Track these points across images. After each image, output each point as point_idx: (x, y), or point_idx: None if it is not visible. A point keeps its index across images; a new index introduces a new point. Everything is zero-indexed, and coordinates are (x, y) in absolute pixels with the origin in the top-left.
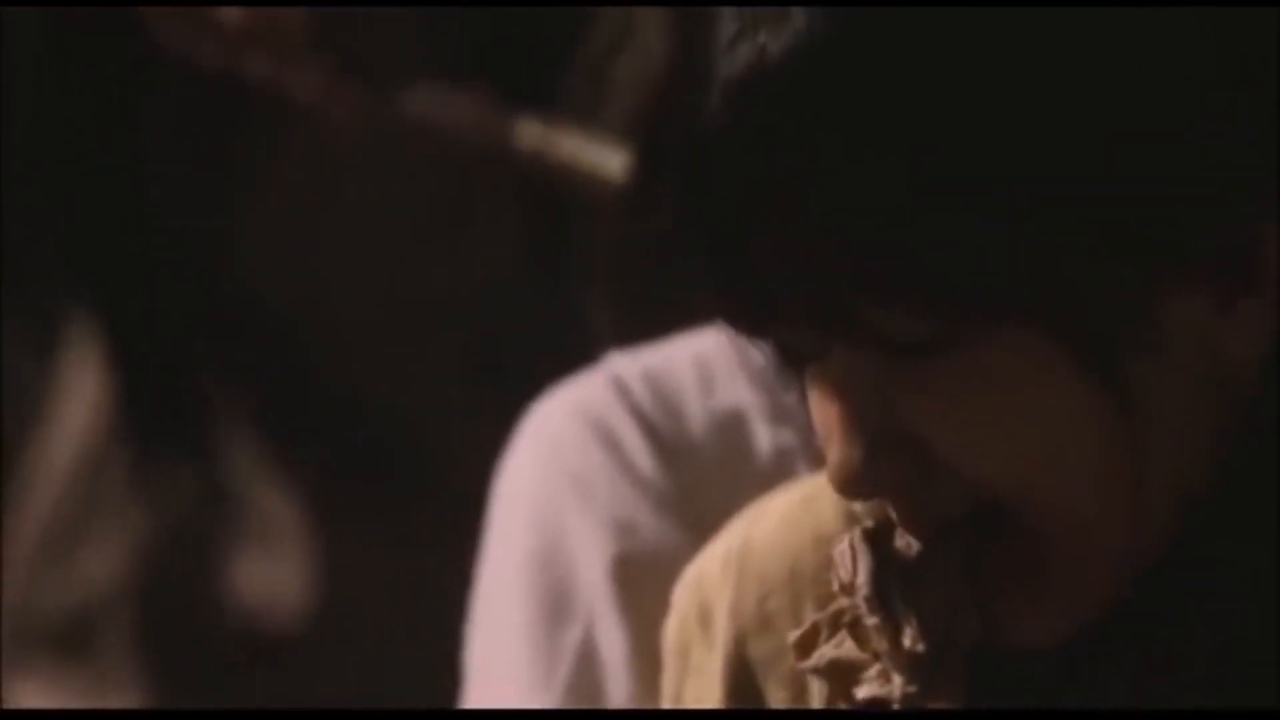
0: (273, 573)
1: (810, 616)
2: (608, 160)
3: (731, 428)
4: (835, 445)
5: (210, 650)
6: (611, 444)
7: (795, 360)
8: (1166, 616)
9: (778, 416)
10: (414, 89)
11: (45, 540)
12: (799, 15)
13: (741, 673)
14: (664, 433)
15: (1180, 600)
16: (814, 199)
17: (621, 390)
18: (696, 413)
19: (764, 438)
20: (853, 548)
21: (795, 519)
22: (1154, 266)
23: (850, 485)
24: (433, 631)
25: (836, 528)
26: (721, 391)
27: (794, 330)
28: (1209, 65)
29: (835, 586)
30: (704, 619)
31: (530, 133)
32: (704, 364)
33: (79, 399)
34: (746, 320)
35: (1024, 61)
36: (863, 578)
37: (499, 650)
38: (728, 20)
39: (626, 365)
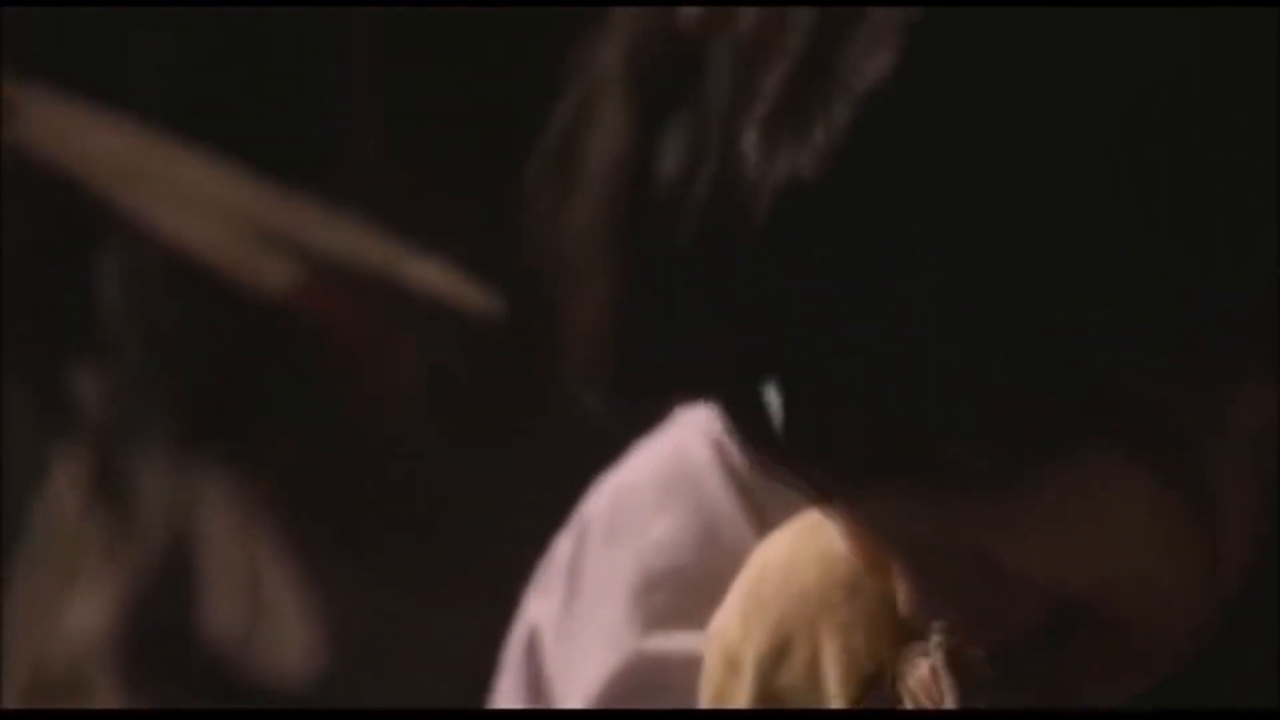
0: (263, 622)
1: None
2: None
3: None
4: (903, 577)
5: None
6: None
7: (829, 494)
8: (1233, 667)
9: None
10: None
11: (32, 599)
12: (819, 131)
13: (772, 705)
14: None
15: (1245, 651)
16: (866, 331)
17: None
18: None
19: None
20: (935, 672)
21: (800, 546)
22: (1221, 370)
23: (925, 614)
24: (421, 675)
25: (842, 546)
26: None
27: (844, 462)
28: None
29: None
30: (731, 667)
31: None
32: None
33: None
34: (777, 450)
35: (1072, 186)
36: (950, 702)
37: None
38: (747, 125)
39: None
